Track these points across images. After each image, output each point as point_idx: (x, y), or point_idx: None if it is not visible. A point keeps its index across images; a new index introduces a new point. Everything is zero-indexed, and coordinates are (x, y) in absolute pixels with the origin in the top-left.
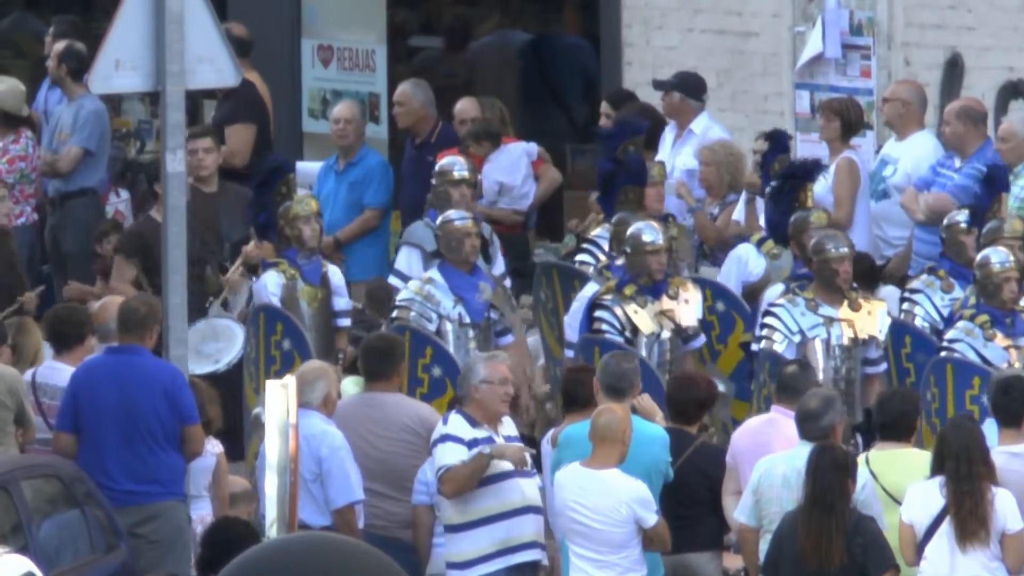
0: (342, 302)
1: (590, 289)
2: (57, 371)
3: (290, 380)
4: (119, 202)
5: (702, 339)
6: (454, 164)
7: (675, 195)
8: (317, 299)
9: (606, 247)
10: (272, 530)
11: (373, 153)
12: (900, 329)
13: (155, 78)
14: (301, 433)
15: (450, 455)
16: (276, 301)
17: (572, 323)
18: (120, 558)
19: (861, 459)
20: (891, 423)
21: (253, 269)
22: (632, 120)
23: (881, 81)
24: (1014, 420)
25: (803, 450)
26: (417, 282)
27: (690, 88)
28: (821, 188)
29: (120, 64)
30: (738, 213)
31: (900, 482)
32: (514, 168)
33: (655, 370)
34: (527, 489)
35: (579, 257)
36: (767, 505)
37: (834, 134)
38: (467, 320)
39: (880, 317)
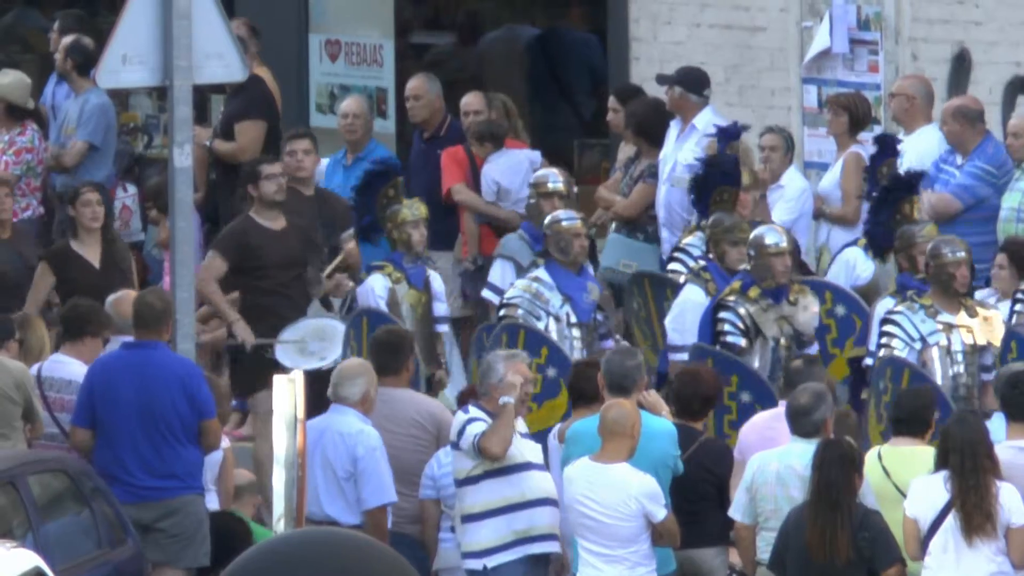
0: (441, 307)
1: (692, 292)
2: (62, 364)
3: (297, 375)
4: (126, 197)
5: (815, 347)
6: (548, 176)
7: (686, 189)
8: (420, 303)
9: (698, 255)
10: (279, 525)
11: (381, 148)
12: (1007, 335)
13: (162, 73)
14: (336, 430)
15: (477, 428)
16: (382, 304)
17: (676, 326)
18: (127, 553)
19: (873, 454)
20: (905, 419)
21: (345, 270)
22: (729, 126)
23: (888, 76)
24: (1022, 414)
25: (795, 446)
26: (525, 280)
27: (690, 83)
28: (828, 183)
29: (127, 59)
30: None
31: (912, 479)
32: (514, 173)
33: (764, 378)
34: (544, 481)
35: (671, 266)
36: (762, 502)
37: (841, 129)
38: (574, 320)
39: (997, 324)
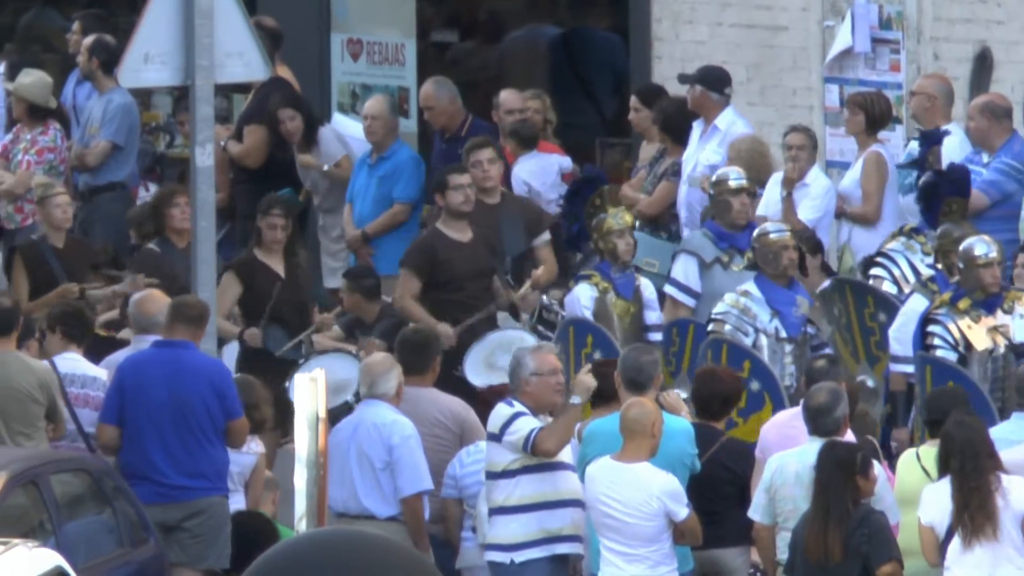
0: (653, 316)
1: (917, 303)
2: (78, 362)
3: (319, 374)
4: (148, 196)
5: None
6: (728, 174)
7: (699, 188)
8: (629, 313)
9: (900, 261)
10: (301, 524)
11: (405, 148)
12: None
13: (184, 72)
14: (371, 422)
15: (531, 423)
16: (588, 314)
17: (900, 336)
18: (148, 552)
19: (912, 454)
20: (939, 421)
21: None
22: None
23: (910, 75)
24: None
25: (813, 446)
26: (733, 295)
27: (710, 81)
28: (849, 182)
29: (149, 58)
30: (763, 208)
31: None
32: (544, 176)
33: (982, 388)
34: (575, 482)
35: (873, 271)
36: (781, 503)
37: (858, 128)
38: (784, 334)
39: None
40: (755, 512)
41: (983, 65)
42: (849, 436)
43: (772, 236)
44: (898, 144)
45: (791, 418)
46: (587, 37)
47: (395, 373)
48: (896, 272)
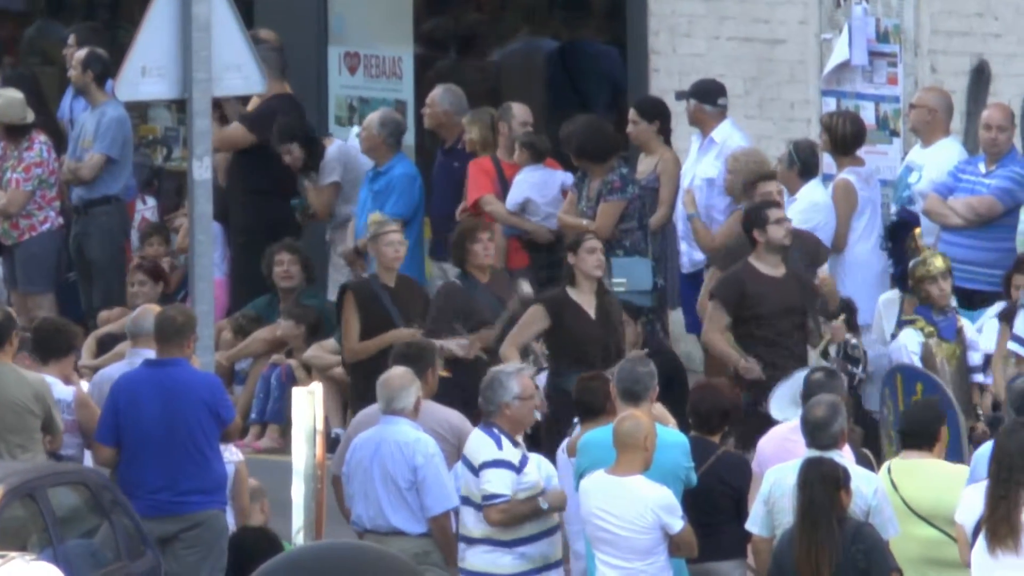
0: (976, 357)
1: None
2: (52, 385)
3: (316, 387)
4: (145, 209)
5: None
6: None
7: (680, 203)
8: (955, 356)
9: None
10: (299, 536)
11: (403, 163)
12: None
13: (182, 85)
14: (393, 440)
15: (503, 483)
16: (917, 360)
17: None
18: (146, 565)
19: (884, 468)
20: (912, 432)
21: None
22: None
23: (908, 88)
24: None
25: None
26: None
27: (703, 94)
28: (822, 197)
29: (147, 71)
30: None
31: (919, 493)
32: (545, 189)
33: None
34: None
35: None
36: (779, 515)
37: (826, 147)
38: None
39: None
40: (753, 524)
41: (980, 78)
42: (847, 450)
43: None
44: (895, 158)
45: (789, 431)
46: (584, 50)
47: (415, 388)
48: None
